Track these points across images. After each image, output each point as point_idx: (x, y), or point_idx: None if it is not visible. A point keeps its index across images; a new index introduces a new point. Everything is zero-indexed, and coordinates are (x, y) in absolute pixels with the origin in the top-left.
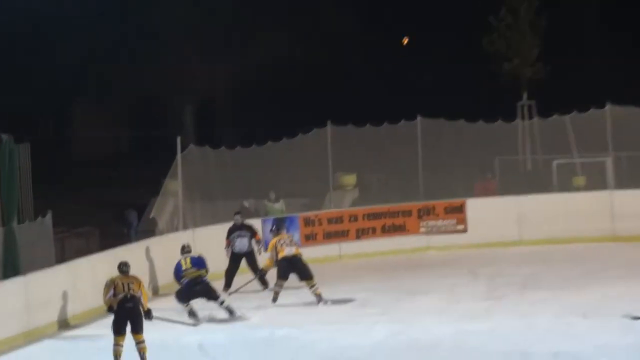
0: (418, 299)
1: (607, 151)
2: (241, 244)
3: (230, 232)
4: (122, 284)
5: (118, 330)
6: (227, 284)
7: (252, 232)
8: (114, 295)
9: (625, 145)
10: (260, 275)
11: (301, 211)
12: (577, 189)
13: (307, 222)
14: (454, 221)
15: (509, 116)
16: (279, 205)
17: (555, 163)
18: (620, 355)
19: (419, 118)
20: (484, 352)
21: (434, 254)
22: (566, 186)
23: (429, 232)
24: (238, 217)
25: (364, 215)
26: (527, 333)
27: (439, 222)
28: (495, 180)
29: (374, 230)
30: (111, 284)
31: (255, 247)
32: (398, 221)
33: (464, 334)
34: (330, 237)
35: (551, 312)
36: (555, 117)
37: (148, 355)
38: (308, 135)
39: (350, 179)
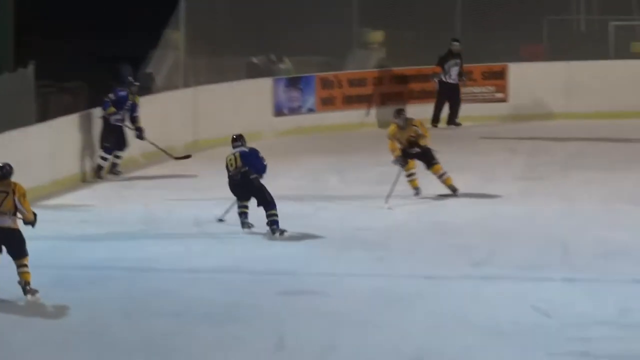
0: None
1: None
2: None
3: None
4: None
5: None
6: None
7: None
8: None
9: None
10: None
11: (318, 71)
12: (637, 55)
13: (325, 83)
14: (493, 88)
15: None
16: (285, 66)
17: (612, 25)
18: None
19: None
20: (517, 239)
21: (469, 125)
22: (624, 52)
23: (464, 100)
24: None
25: (391, 77)
26: (569, 219)
27: (476, 89)
28: (543, 42)
29: (401, 95)
30: None
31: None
32: (429, 86)
33: (496, 218)
34: (351, 101)
35: (597, 197)
36: None
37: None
38: None
39: (377, 36)
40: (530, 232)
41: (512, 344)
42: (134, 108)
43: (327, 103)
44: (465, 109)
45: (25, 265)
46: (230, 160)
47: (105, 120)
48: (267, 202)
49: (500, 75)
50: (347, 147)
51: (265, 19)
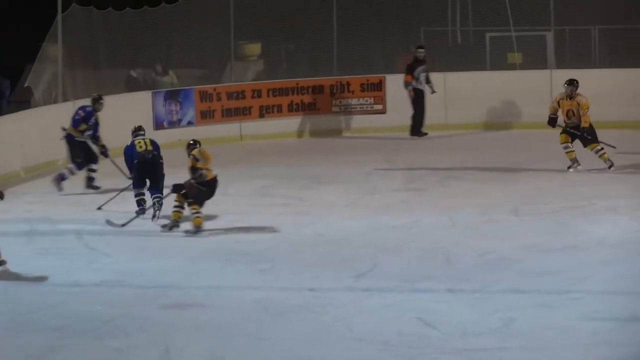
0: (327, 188)
1: (548, 24)
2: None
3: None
4: None
5: None
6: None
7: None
8: None
9: (569, 18)
10: None
11: (197, 84)
12: (513, 66)
13: (204, 96)
14: (371, 100)
15: None
16: (168, 78)
17: (488, 36)
18: (548, 258)
19: None
20: (400, 250)
21: (347, 136)
22: (500, 63)
23: (342, 112)
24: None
25: (268, 90)
26: (450, 230)
27: (354, 101)
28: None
29: (279, 108)
30: None
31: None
32: (307, 98)
33: (377, 229)
34: (230, 114)
35: (477, 208)
36: None
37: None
38: None
39: (254, 49)
40: (412, 244)
41: (396, 356)
42: (96, 126)
43: (207, 116)
44: (344, 121)
45: None
46: (140, 143)
47: (70, 137)
48: (159, 188)
49: (378, 86)
50: (227, 160)
51: (144, 32)
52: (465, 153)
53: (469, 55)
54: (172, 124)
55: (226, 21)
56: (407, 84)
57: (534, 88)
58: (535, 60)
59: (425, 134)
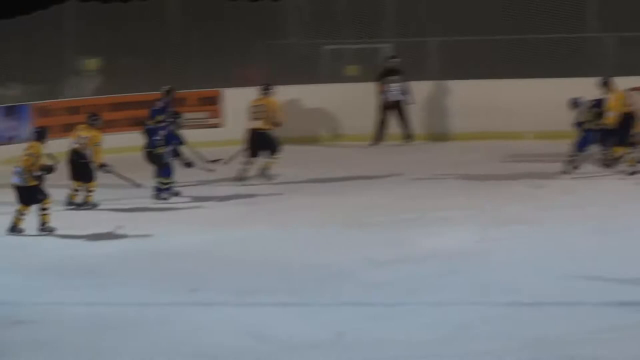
0: (164, 202)
1: (386, 37)
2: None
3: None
4: None
5: None
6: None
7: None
8: None
9: (409, 30)
10: None
11: (34, 100)
12: (350, 79)
13: (42, 112)
14: (208, 114)
15: None
16: (13, 92)
17: (326, 48)
18: (382, 270)
19: None
20: (233, 264)
21: (186, 150)
22: (338, 75)
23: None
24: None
25: (107, 105)
26: (284, 243)
27: (191, 115)
28: (258, 67)
29: (118, 122)
30: None
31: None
32: (145, 113)
33: (212, 244)
34: (69, 129)
35: (311, 221)
36: None
37: None
38: (45, 12)
39: (92, 64)
40: (247, 257)
41: None
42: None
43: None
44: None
45: None
46: None
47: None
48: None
49: (214, 100)
50: (64, 175)
51: None
52: (301, 166)
53: (308, 67)
54: (11, 140)
55: (65, 35)
56: (381, 94)
57: (370, 100)
58: (371, 73)
59: (376, 144)
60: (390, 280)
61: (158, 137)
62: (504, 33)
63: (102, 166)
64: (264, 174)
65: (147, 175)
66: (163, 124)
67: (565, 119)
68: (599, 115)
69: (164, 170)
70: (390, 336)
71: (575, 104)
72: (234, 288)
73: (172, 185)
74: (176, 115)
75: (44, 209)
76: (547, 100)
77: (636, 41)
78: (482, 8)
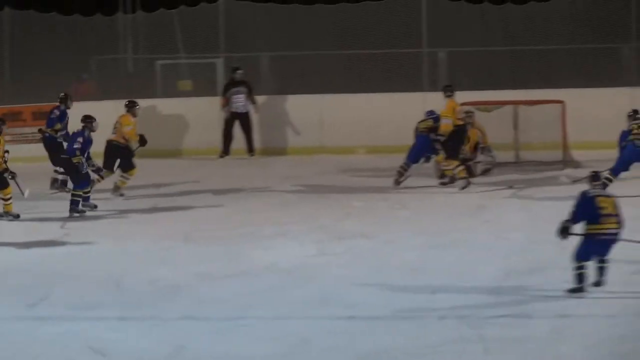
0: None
1: (218, 51)
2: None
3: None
4: None
5: None
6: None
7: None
8: None
9: (239, 45)
10: None
11: None
12: (183, 93)
13: None
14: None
15: (110, 8)
16: None
17: (158, 63)
18: (219, 285)
19: (6, 9)
20: (72, 279)
21: (20, 166)
22: (171, 90)
23: (16, 141)
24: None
25: None
26: (122, 257)
27: (27, 130)
28: (92, 82)
29: None
30: None
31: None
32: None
33: (51, 258)
34: None
35: (149, 235)
36: (161, 10)
37: None
38: None
39: None
40: (84, 271)
41: None
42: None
43: None
44: (17, 150)
45: None
46: None
47: (52, 137)
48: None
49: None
50: None
51: None
52: (142, 180)
53: (141, 82)
54: None
55: None
56: (224, 107)
57: (204, 114)
58: (205, 87)
59: (222, 156)
60: (229, 295)
61: (75, 145)
62: (334, 48)
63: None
64: (115, 190)
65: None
66: (78, 130)
67: (396, 134)
68: (434, 126)
69: (83, 180)
70: (232, 350)
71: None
72: (73, 302)
73: (89, 195)
74: (89, 119)
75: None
76: (379, 115)
77: (464, 56)
78: (314, 23)
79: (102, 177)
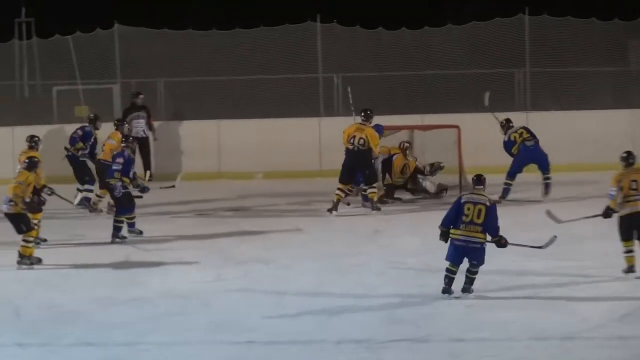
0: None
1: (114, 77)
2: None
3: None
4: None
5: None
6: None
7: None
8: None
9: (135, 72)
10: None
11: None
12: (80, 119)
13: None
14: None
15: (5, 34)
16: None
17: (55, 90)
18: (117, 310)
19: None
20: None
21: None
22: (68, 116)
23: None
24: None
25: None
26: (18, 283)
27: None
28: None
29: None
30: None
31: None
32: None
33: None
34: None
35: (46, 261)
36: (56, 37)
37: None
38: None
39: None
40: None
41: None
42: (94, 145)
43: None
44: None
45: None
46: None
47: (74, 156)
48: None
49: None
50: None
51: None
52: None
53: (37, 109)
54: None
55: None
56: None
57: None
58: (102, 113)
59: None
60: (127, 320)
61: (115, 167)
62: (231, 73)
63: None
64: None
65: None
66: (118, 152)
67: (293, 159)
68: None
69: (125, 207)
70: None
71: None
72: None
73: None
74: (128, 139)
75: (25, 240)
76: (276, 140)
77: (360, 81)
78: (210, 48)
79: (142, 196)
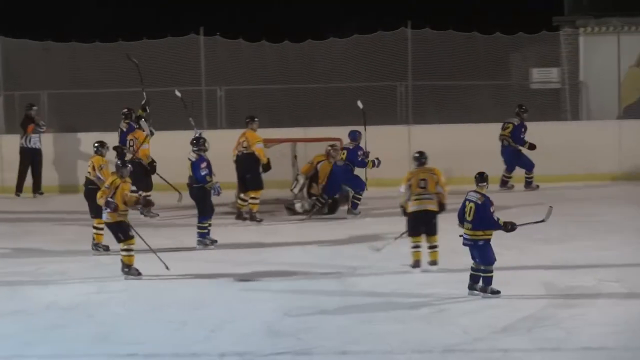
0: None
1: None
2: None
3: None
4: None
5: None
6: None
7: None
8: None
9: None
10: None
11: None
12: None
13: None
14: None
15: None
16: None
17: None
18: (2, 323)
19: None
20: None
21: None
22: None
23: None
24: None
25: None
26: None
27: None
28: None
29: None
30: None
31: None
32: None
33: None
34: None
35: None
36: None
37: None
38: None
39: None
40: None
41: None
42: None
43: None
44: None
45: None
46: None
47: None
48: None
49: None
50: None
51: None
52: None
53: None
54: None
55: None
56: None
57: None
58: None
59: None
60: (8, 333)
61: (203, 172)
62: (115, 86)
63: None
64: None
65: None
66: (196, 158)
67: (175, 171)
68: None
69: (208, 214)
70: None
71: None
72: None
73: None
74: (201, 138)
75: (125, 249)
76: (163, 153)
77: (243, 94)
78: (92, 61)
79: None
